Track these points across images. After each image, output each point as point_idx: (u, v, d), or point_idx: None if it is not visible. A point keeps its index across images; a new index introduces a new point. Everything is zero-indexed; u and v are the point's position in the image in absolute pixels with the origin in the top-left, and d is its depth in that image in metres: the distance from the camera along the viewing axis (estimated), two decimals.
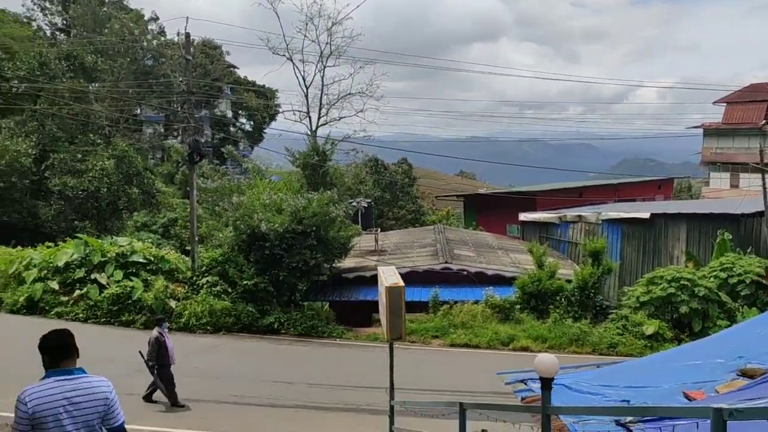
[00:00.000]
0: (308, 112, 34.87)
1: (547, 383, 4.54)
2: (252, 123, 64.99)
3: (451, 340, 20.16)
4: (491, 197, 42.83)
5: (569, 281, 22.71)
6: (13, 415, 4.27)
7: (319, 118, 34.83)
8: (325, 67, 34.68)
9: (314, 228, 20.65)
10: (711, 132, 54.36)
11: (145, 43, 51.75)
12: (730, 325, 20.30)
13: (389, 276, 8.89)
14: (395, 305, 8.42)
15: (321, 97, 34.67)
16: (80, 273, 20.31)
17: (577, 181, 46.53)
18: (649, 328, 20.33)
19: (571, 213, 33.55)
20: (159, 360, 12.48)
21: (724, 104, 55.60)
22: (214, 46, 55.20)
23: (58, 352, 4.32)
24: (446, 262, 25.61)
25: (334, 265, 23.13)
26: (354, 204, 25.79)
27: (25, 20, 49.29)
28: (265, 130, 64.11)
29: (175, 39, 49.50)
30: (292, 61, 34.66)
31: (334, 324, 20.94)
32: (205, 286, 20.37)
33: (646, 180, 44.71)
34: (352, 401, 13.90)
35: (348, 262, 25.93)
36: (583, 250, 24.84)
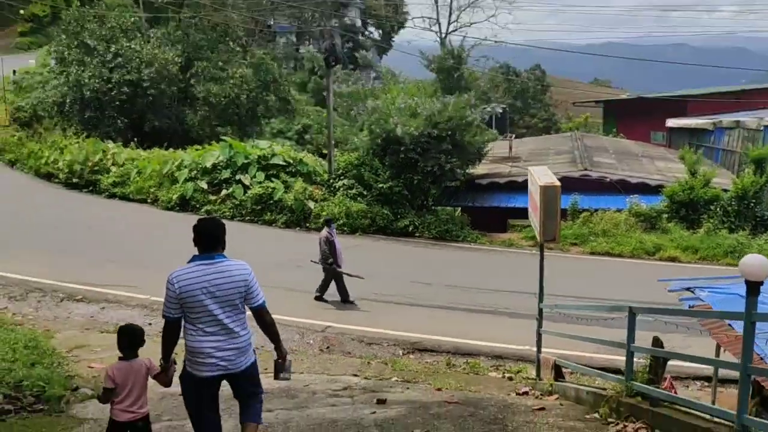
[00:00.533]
0: (438, 18, 33.81)
1: (755, 288, 4.01)
2: (381, 32, 64.21)
3: (591, 248, 19.39)
4: (634, 102, 39.97)
5: (725, 191, 20.94)
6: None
7: (449, 24, 33.68)
8: None
9: (450, 132, 20.20)
10: None
11: None
12: None
13: (542, 176, 8.36)
14: (550, 206, 7.93)
15: (451, 1, 33.35)
16: (226, 174, 21.31)
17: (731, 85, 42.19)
18: None
19: (727, 119, 30.61)
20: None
21: None
22: None
23: (207, 240, 4.55)
24: (585, 169, 24.43)
25: (467, 170, 22.70)
26: (489, 109, 24.92)
27: None
28: (393, 39, 63.23)
29: None
30: None
31: (468, 229, 20.73)
32: (341, 188, 20.72)
33: None
34: (494, 304, 13.75)
35: (481, 169, 25.40)
36: (742, 157, 22.69)
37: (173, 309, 4.45)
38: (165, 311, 4.50)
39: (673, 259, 18.64)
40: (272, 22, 56.45)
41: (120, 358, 4.68)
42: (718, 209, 20.13)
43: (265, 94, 32.94)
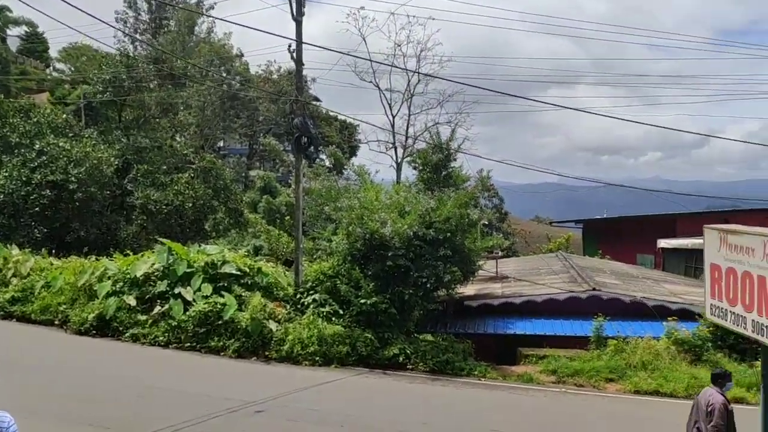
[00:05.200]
0: (394, 143, 31.53)
1: None
2: (333, 159, 62.18)
3: (634, 385, 15.08)
4: (617, 222, 37.49)
5: None
6: None
7: (405, 149, 31.19)
8: (412, 95, 31.48)
9: (448, 234, 16.25)
10: None
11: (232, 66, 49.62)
12: None
13: None
14: None
15: (407, 128, 31.21)
16: (162, 286, 16.53)
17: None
18: None
19: None
20: None
21: None
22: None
23: None
24: (594, 289, 20.58)
25: (451, 292, 18.53)
26: (483, 220, 21.30)
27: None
28: (346, 168, 61.25)
29: (260, 71, 47.49)
30: (379, 88, 31.61)
31: (472, 359, 16.27)
32: (311, 305, 16.19)
33: None
34: None
35: (467, 289, 21.40)
36: None
37: None
38: None
39: (739, 401, 14.45)
40: (222, 144, 53.60)
41: None
42: None
43: (214, 203, 28.81)
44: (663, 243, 30.92)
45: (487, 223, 24.68)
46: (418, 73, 27.76)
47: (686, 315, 18.58)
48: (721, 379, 8.04)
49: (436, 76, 23.62)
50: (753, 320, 4.74)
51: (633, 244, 34.20)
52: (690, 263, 29.72)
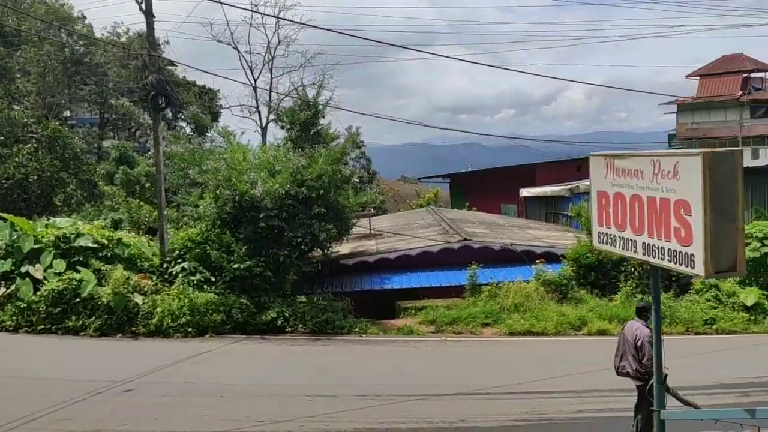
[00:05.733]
0: (257, 107, 30.46)
1: None
2: (194, 125, 59.18)
3: (509, 327, 15.60)
4: (481, 175, 38.69)
5: None
6: None
7: (269, 112, 30.25)
8: (273, 57, 30.57)
9: (322, 191, 15.79)
10: (685, 107, 51.59)
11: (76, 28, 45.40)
12: None
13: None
14: (724, 196, 3.82)
15: (270, 90, 30.22)
16: (5, 266, 14.81)
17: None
18: (749, 298, 16.35)
19: (583, 183, 29.57)
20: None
21: (698, 78, 53.17)
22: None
23: None
24: (465, 239, 21.04)
25: (327, 251, 18.16)
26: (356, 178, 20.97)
27: None
28: (208, 130, 58.51)
29: (106, 33, 43.86)
30: (238, 50, 30.42)
31: (352, 317, 16.08)
32: (180, 274, 15.19)
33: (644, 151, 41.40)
34: (443, 414, 9.21)
35: (343, 248, 21.18)
36: None
37: None
38: None
39: (603, 333, 15.40)
40: (69, 114, 49.26)
41: None
42: (634, 270, 17.51)
43: (63, 175, 26.36)
44: (525, 192, 32.25)
45: (358, 180, 24.44)
46: (299, 23, 26.59)
47: (551, 257, 19.48)
48: (645, 312, 8.14)
49: (312, 25, 22.58)
50: (643, 242, 4.72)
51: (497, 195, 35.44)
52: (550, 209, 31.30)
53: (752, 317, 16.07)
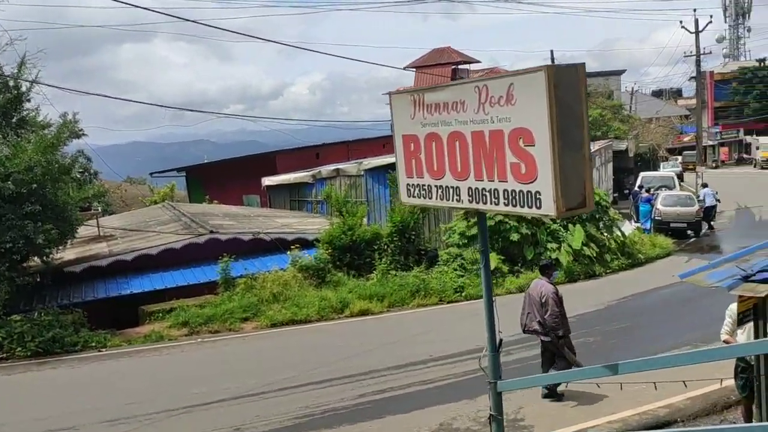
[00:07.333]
0: None
1: None
2: None
3: (270, 319, 14.60)
4: (219, 167, 36.82)
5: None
6: None
7: None
8: None
9: (34, 186, 13.06)
10: None
11: None
12: (559, 248, 18.50)
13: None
14: (569, 115, 3.21)
15: None
16: None
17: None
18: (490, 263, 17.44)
19: (326, 168, 29.60)
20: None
21: (413, 70, 57.31)
22: None
23: None
24: (212, 232, 19.56)
25: (47, 259, 15.29)
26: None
27: None
28: None
29: None
30: None
31: (86, 330, 13.66)
32: None
33: (373, 138, 43.19)
34: (214, 425, 7.91)
35: (67, 254, 18.27)
36: None
37: None
38: None
39: (365, 313, 15.24)
40: None
41: None
42: (387, 247, 17.65)
43: None
44: (267, 181, 31.31)
45: (82, 171, 21.28)
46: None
47: (304, 243, 18.93)
48: (548, 270, 8.57)
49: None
50: (469, 188, 3.97)
51: (238, 186, 34.05)
52: (294, 197, 30.79)
53: (495, 281, 17.21)
